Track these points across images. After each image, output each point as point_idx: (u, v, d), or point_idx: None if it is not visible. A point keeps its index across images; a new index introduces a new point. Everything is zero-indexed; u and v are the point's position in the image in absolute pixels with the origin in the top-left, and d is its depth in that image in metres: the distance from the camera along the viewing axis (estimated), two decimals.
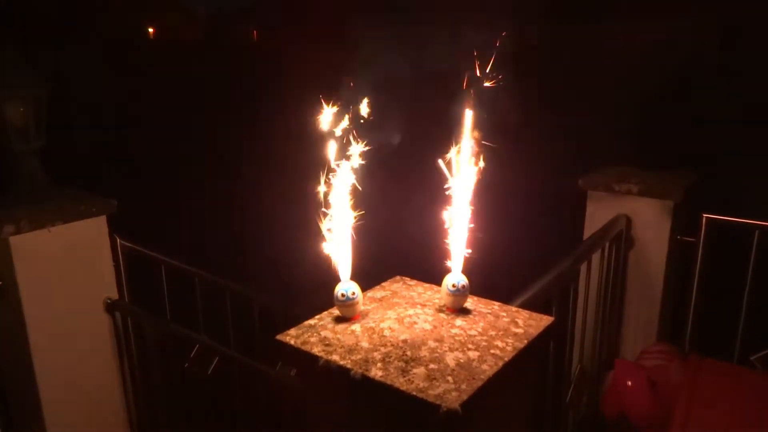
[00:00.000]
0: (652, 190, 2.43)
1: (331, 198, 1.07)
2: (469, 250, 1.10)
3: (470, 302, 1.14)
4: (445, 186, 1.07)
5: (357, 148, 1.06)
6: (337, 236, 1.09)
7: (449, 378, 0.90)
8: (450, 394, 0.87)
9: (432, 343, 1.00)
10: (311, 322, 1.09)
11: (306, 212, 1.10)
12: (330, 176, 1.06)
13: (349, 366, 0.94)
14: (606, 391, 2.27)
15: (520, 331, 1.04)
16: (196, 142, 9.50)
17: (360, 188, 1.08)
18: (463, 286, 1.10)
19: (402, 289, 1.22)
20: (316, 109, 1.05)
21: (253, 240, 5.86)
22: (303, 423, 1.09)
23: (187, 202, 6.90)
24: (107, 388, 2.49)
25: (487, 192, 1.12)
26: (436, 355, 0.97)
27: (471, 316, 1.10)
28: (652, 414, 2.12)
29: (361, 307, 1.11)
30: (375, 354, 0.97)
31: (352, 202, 1.08)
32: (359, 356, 0.97)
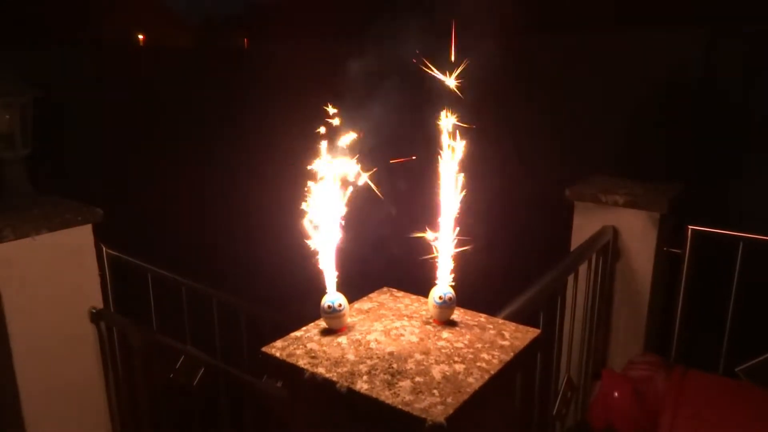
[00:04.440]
0: (638, 202, 2.44)
1: (317, 208, 1.07)
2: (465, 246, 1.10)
3: (457, 314, 1.14)
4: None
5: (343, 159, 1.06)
6: (324, 247, 1.09)
7: (435, 391, 0.90)
8: (436, 407, 0.86)
9: (418, 356, 1.00)
10: (297, 333, 1.08)
11: (294, 222, 1.10)
12: (316, 186, 1.06)
13: (334, 379, 0.94)
14: (593, 402, 2.27)
15: (506, 343, 1.05)
16: (184, 150, 9.46)
17: (347, 198, 1.08)
18: (450, 298, 1.10)
19: (389, 300, 1.22)
20: (305, 119, 1.05)
21: (241, 249, 5.84)
22: None
23: (174, 210, 6.86)
24: (91, 399, 2.46)
25: (474, 203, 1.13)
26: (423, 367, 0.97)
27: (457, 329, 1.10)
28: (638, 424, 2.12)
29: (347, 319, 1.10)
30: (361, 367, 0.97)
31: (339, 213, 1.08)
32: (345, 369, 0.96)
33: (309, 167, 1.05)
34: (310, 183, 1.06)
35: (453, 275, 1.11)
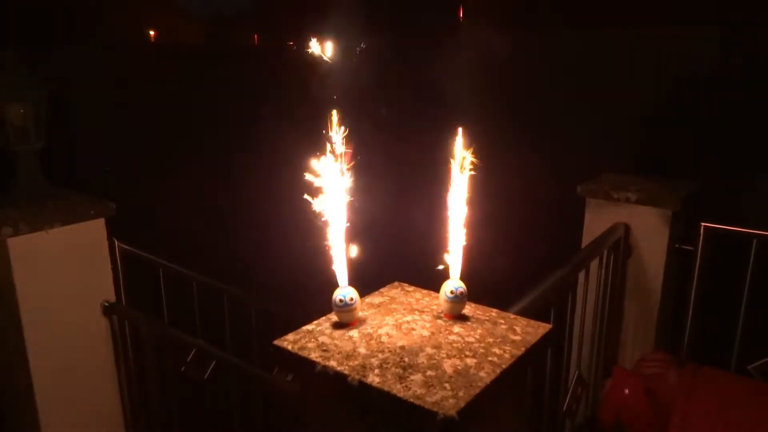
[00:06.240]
0: (650, 199, 2.43)
1: (328, 203, 1.07)
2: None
3: (468, 309, 1.14)
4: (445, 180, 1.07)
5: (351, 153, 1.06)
6: (335, 241, 1.09)
7: (446, 385, 0.90)
8: (447, 401, 0.86)
9: (430, 350, 1.00)
10: (309, 327, 1.09)
11: (305, 217, 1.10)
12: (326, 181, 1.06)
13: (346, 372, 0.94)
14: (603, 399, 2.27)
15: (517, 338, 1.04)
16: (196, 146, 9.50)
17: (357, 194, 1.08)
18: (461, 293, 1.10)
19: (400, 295, 1.22)
20: (314, 114, 1.05)
21: (252, 244, 5.86)
22: (299, 429, 1.09)
23: (186, 205, 6.90)
24: (104, 392, 2.48)
25: (486, 198, 1.13)
26: (434, 361, 0.97)
27: (469, 323, 1.10)
28: (649, 422, 2.11)
29: (359, 313, 1.11)
30: (372, 360, 0.97)
31: (349, 207, 1.08)
32: (356, 362, 0.97)
33: (316, 162, 1.05)
34: (320, 179, 1.06)
35: (464, 270, 1.11)
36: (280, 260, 4.88)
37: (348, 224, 1.09)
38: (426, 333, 1.06)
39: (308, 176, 1.04)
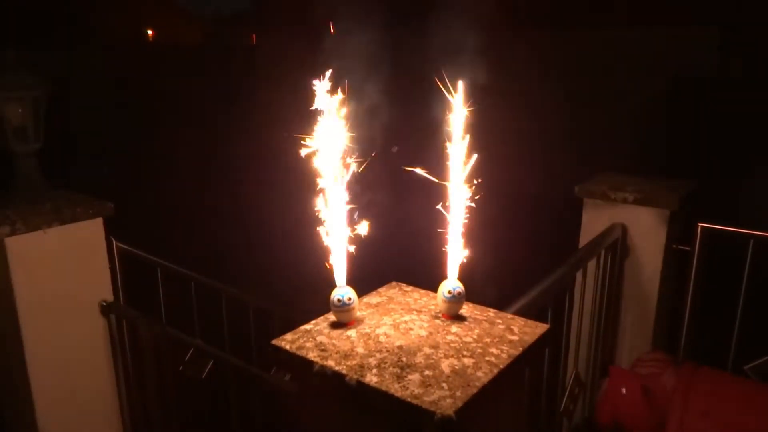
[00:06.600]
0: (648, 199, 2.43)
1: (326, 204, 1.07)
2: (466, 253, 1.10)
3: (466, 309, 1.14)
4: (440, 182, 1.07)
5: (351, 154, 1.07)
6: (333, 241, 1.09)
7: (444, 385, 0.91)
8: (445, 400, 0.87)
9: (427, 350, 1.01)
10: (307, 327, 1.09)
11: (304, 217, 1.10)
12: (325, 182, 1.07)
13: (344, 372, 0.95)
14: (600, 399, 2.27)
15: (515, 338, 1.05)
16: (193, 146, 9.50)
17: (356, 194, 1.09)
18: (459, 293, 1.10)
19: (398, 295, 1.23)
20: (312, 114, 1.06)
21: (250, 244, 5.86)
22: (298, 428, 1.09)
23: (184, 205, 6.90)
24: (101, 391, 2.48)
25: (484, 198, 1.13)
26: (432, 361, 0.97)
27: (466, 323, 1.10)
28: (646, 422, 2.12)
29: (356, 313, 1.11)
30: (370, 360, 0.97)
31: (348, 208, 1.09)
32: (354, 362, 0.97)
33: (312, 158, 1.05)
34: (318, 178, 1.07)
35: (462, 270, 1.11)
36: (278, 260, 4.88)
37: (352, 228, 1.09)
38: (424, 333, 1.06)
39: (307, 176, 1.05)
